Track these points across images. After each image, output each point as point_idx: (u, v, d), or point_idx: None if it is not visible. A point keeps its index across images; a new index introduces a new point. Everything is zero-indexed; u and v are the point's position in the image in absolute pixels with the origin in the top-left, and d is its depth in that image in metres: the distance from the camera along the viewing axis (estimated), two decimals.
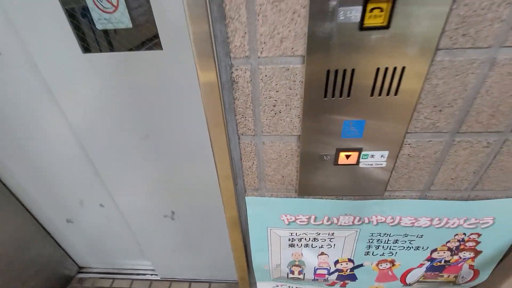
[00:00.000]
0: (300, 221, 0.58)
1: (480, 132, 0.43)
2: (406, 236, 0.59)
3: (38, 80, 0.78)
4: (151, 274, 1.47)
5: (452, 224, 0.55)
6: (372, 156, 0.47)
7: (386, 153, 0.46)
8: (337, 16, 0.33)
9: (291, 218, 0.58)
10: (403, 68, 0.37)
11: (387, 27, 0.34)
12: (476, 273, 0.65)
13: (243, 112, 0.43)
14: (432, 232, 0.57)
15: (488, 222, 0.55)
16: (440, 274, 0.67)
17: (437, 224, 0.56)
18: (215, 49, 0.37)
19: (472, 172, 0.48)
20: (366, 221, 0.57)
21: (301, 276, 0.71)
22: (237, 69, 0.39)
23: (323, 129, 0.44)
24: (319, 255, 0.65)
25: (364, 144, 0.45)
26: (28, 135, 0.93)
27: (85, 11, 0.66)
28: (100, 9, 0.64)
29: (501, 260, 0.62)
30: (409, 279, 0.69)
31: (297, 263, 0.68)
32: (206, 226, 1.13)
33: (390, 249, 0.62)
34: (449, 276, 0.67)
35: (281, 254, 0.66)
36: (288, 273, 0.71)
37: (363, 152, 0.46)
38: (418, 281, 0.69)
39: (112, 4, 0.63)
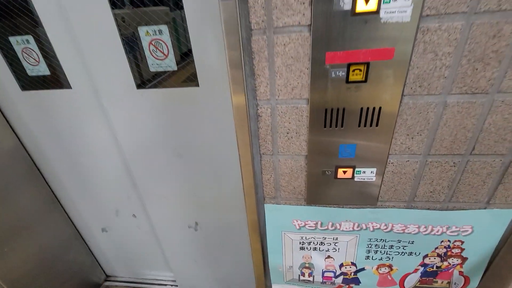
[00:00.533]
0: (309, 226, 0.72)
1: (446, 154, 0.57)
2: (400, 242, 0.71)
3: (99, 108, 0.99)
4: (172, 285, 1.59)
5: (437, 232, 0.67)
6: (364, 172, 0.61)
7: (374, 169, 0.61)
8: (330, 74, 0.50)
9: (301, 223, 0.72)
10: (380, 107, 0.53)
11: (365, 81, 0.50)
12: (467, 280, 0.75)
13: (264, 137, 0.60)
14: (421, 239, 0.69)
15: (467, 230, 0.66)
16: (434, 280, 0.76)
17: (424, 231, 0.68)
18: (246, 94, 0.54)
19: (446, 186, 0.61)
20: (364, 227, 0.70)
21: (310, 279, 0.83)
22: (261, 108, 0.56)
23: (324, 150, 0.59)
24: (325, 258, 0.78)
25: (356, 162, 0.60)
26: (82, 151, 1.13)
27: (142, 58, 0.87)
28: (154, 57, 0.85)
29: (489, 267, 0.72)
30: (407, 284, 0.79)
31: (307, 265, 0.80)
32: (225, 238, 1.26)
33: (387, 254, 0.74)
34: (442, 282, 0.76)
35: (293, 256, 0.79)
36: (299, 275, 0.83)
37: (356, 169, 0.61)
38: (415, 287, 0.79)
39: (164, 54, 0.84)
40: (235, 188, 1.06)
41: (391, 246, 0.72)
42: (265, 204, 0.71)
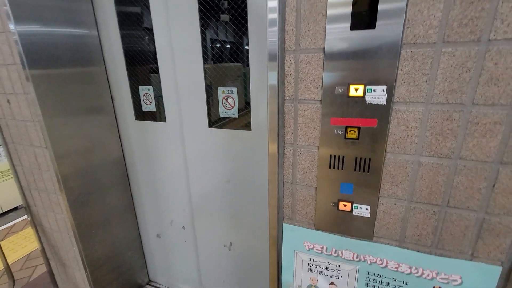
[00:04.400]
0: (316, 249, 0.90)
1: (427, 203, 0.73)
2: (395, 280, 0.83)
3: (180, 138, 1.41)
4: None
5: (427, 276, 0.78)
6: (360, 208, 0.81)
7: (369, 207, 0.80)
8: (333, 132, 0.76)
9: (310, 246, 0.91)
10: (370, 159, 0.75)
11: (358, 139, 0.74)
12: None
13: (287, 169, 0.86)
14: (414, 281, 0.80)
15: (456, 280, 0.76)
16: None
17: (415, 273, 0.79)
18: (278, 138, 0.83)
19: (431, 232, 0.75)
20: (362, 259, 0.85)
21: None
22: (286, 148, 0.84)
23: (329, 185, 0.82)
24: (329, 284, 0.92)
25: (354, 198, 0.81)
26: (160, 168, 1.55)
27: (215, 106, 1.26)
28: (224, 107, 1.24)
29: None
30: None
31: (313, 287, 0.95)
32: (253, 262, 1.45)
33: None
34: None
35: (302, 276, 0.96)
36: None
37: (354, 204, 0.81)
38: None
39: (231, 106, 1.22)
40: (264, 212, 1.30)
41: (388, 284, 0.84)
42: (283, 224, 0.93)
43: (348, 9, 0.65)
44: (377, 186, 0.77)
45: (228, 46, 1.18)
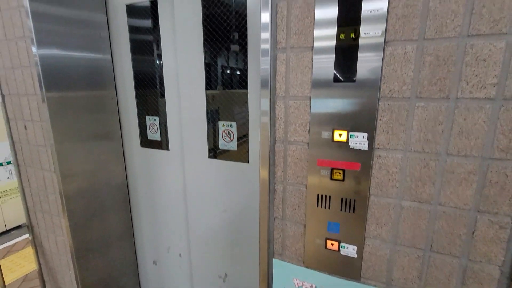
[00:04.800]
0: (305, 287, 0.91)
1: (410, 247, 0.75)
2: None
3: (181, 167, 1.47)
4: None
5: None
6: (347, 247, 0.83)
7: (355, 247, 0.82)
8: (319, 172, 0.81)
9: (299, 283, 0.92)
10: (355, 200, 0.79)
11: (343, 180, 0.79)
12: None
13: (277, 205, 0.90)
14: None
15: None
16: None
17: None
18: (269, 175, 0.88)
19: (416, 276, 0.76)
20: None
21: None
22: (277, 186, 0.89)
23: (317, 224, 0.85)
24: None
25: (341, 237, 0.83)
26: (160, 194, 1.60)
27: (215, 138, 1.34)
28: (224, 140, 1.31)
29: None
30: None
31: None
32: None
33: None
34: None
35: None
36: None
37: (341, 243, 0.83)
38: None
39: (230, 139, 1.29)
40: (258, 245, 1.31)
41: None
42: (274, 259, 0.95)
43: (331, 65, 0.73)
44: (363, 226, 0.80)
45: (227, 80, 1.28)
